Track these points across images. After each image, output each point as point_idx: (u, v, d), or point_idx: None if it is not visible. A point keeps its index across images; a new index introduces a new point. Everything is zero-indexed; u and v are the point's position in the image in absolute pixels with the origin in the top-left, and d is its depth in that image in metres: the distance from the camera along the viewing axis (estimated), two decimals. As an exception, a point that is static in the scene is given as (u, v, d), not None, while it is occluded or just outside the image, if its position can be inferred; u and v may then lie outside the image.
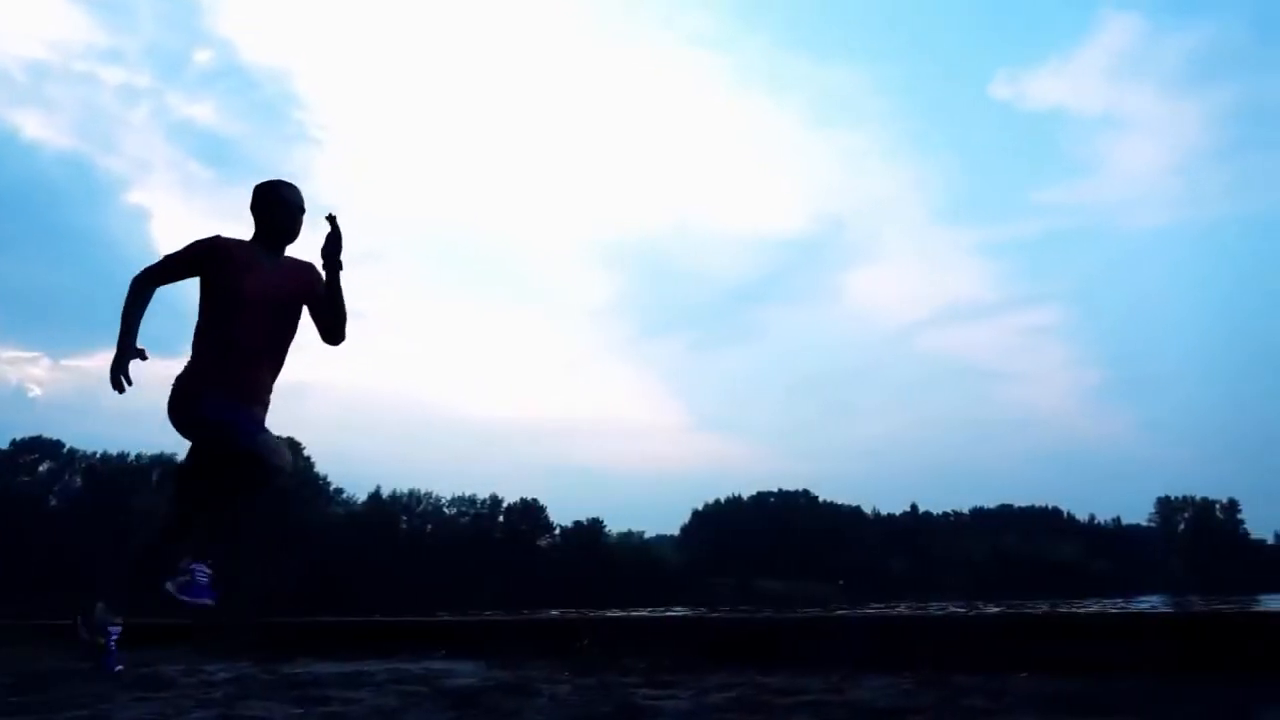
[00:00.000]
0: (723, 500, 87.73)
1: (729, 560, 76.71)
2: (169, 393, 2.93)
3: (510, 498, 77.12)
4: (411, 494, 73.80)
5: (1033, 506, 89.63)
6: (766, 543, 78.57)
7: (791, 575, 74.67)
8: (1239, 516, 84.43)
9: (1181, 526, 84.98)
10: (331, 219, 3.00)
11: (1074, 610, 2.50)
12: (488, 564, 66.37)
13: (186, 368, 2.95)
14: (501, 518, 76.12)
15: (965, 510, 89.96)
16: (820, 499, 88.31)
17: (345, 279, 3.02)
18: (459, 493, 76.26)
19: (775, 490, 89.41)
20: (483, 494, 76.61)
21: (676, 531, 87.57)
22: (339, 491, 69.16)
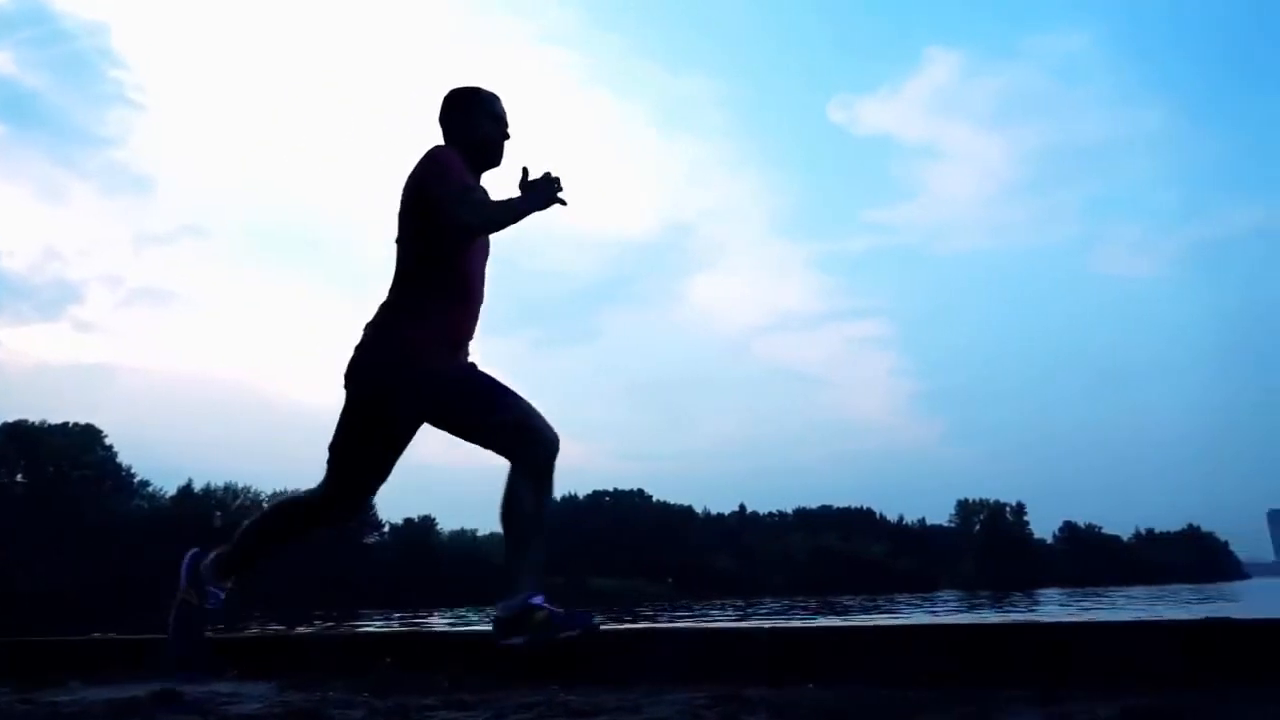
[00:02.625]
0: (559, 499, 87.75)
1: (563, 559, 76.81)
2: (373, 343, 2.32)
3: (336, 494, 73.90)
4: (228, 487, 69.28)
5: (849, 507, 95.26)
6: (600, 541, 79.27)
7: (624, 573, 75.72)
8: (1025, 518, 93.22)
9: (977, 527, 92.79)
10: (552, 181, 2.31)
11: (862, 624, 2.66)
12: (311, 563, 63.35)
13: (401, 314, 2.33)
14: (326, 514, 72.83)
15: (789, 510, 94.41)
16: (654, 498, 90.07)
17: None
18: (281, 486, 72.36)
19: (611, 489, 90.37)
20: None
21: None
22: (144, 484, 63.95)
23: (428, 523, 76.91)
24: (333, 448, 2.39)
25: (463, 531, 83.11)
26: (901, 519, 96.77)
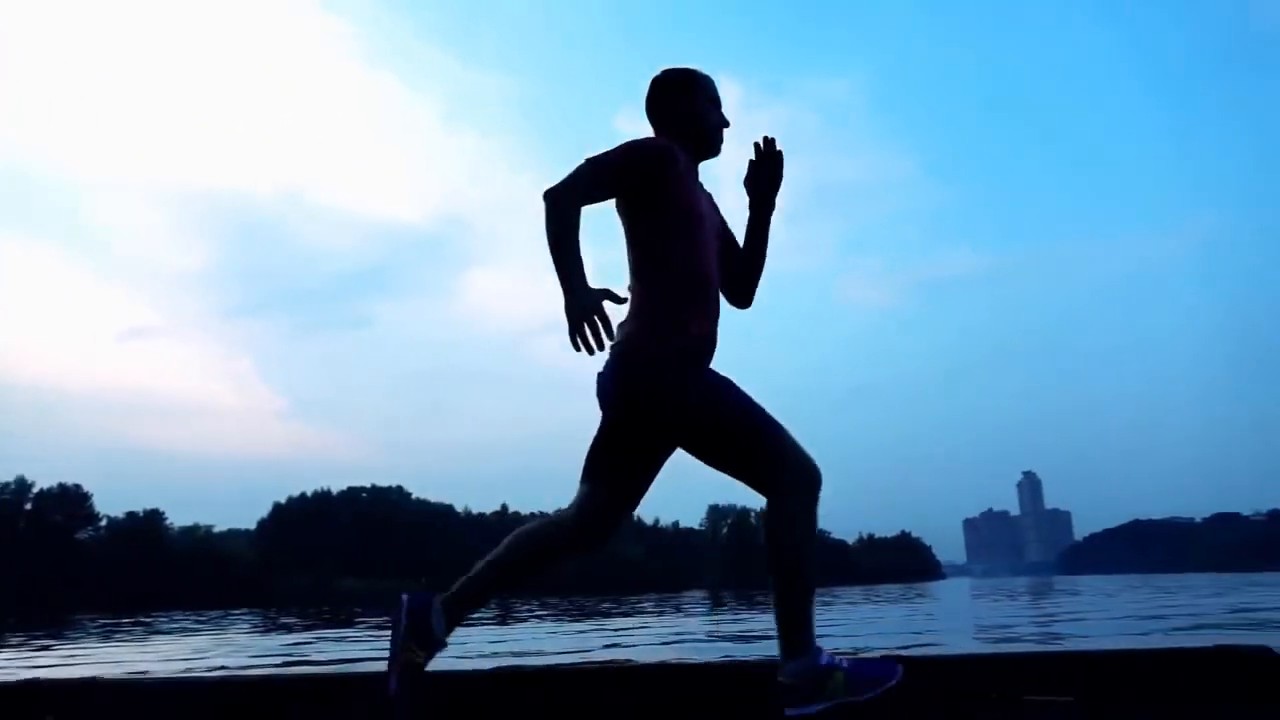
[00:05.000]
0: (309, 494, 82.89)
1: (311, 557, 72.65)
2: (625, 349, 1.99)
3: (44, 481, 65.57)
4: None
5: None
6: (353, 540, 75.79)
7: (376, 573, 72.88)
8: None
9: (725, 530, 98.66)
10: (771, 143, 2.23)
11: (573, 664, 2.72)
12: (9, 561, 55.53)
13: (647, 313, 2.01)
14: (30, 505, 64.18)
15: (551, 511, 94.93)
16: (413, 496, 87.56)
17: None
18: (-17, 475, 63.01)
19: (368, 485, 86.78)
20: (5, 475, 64.16)
21: (253, 526, 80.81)
22: None
23: (155, 517, 69.79)
24: (588, 472, 2.12)
25: (196, 527, 76.35)
26: (657, 521, 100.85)
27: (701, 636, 8.52)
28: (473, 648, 7.26)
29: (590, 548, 2.11)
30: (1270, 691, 2.06)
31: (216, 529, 78.40)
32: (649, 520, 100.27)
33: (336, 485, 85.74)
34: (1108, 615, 10.04)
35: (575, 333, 1.84)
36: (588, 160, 1.98)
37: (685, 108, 2.18)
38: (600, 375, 2.04)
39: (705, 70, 2.27)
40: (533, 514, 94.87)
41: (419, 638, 1.95)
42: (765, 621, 11.13)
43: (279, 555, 73.82)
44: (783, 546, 1.93)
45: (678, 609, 17.80)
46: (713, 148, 2.20)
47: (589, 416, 2.18)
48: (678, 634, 9.09)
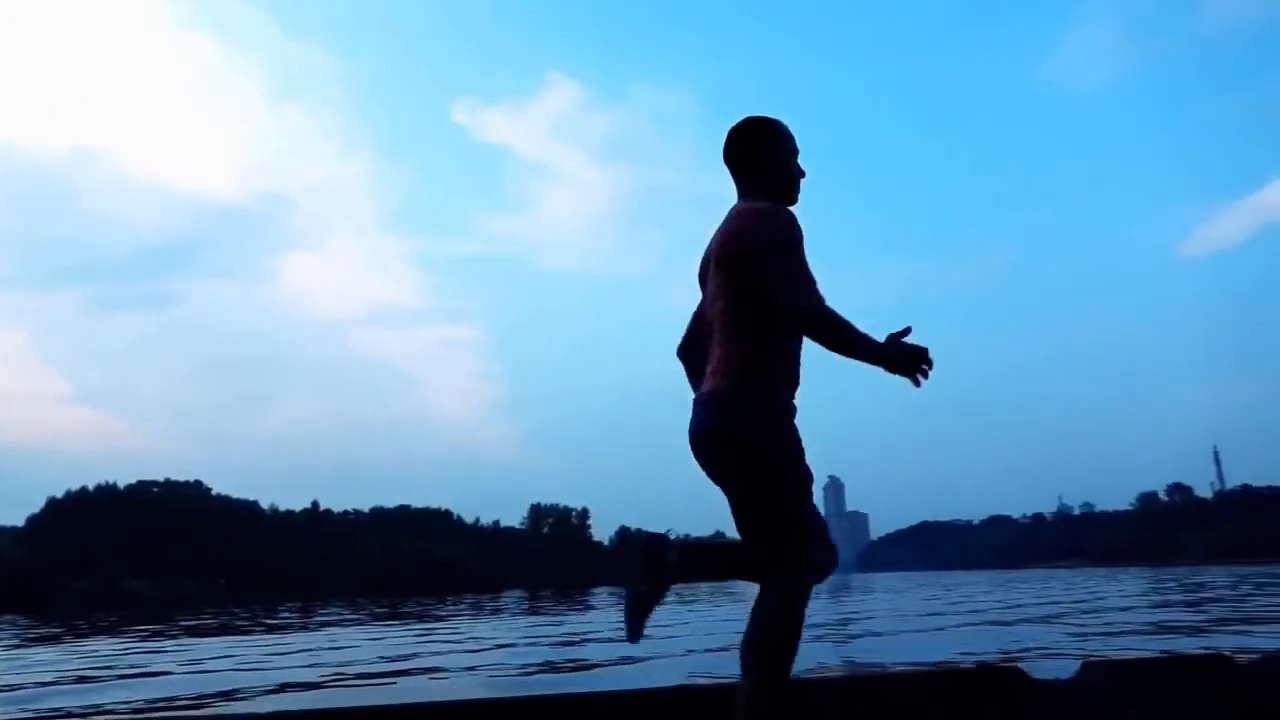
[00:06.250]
0: (91, 488, 75.56)
1: (93, 557, 66.26)
2: (734, 400, 1.98)
3: None
4: None
5: (428, 508, 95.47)
6: (143, 538, 69.79)
7: (169, 574, 67.53)
8: (588, 522, 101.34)
9: (546, 530, 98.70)
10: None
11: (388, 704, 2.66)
12: None
13: (755, 371, 1.99)
14: None
15: (366, 509, 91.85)
16: (214, 491, 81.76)
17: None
18: None
19: (161, 480, 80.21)
20: None
21: (21, 522, 72.64)
22: None
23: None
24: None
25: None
26: (478, 520, 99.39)
27: (517, 641, 8.53)
28: (294, 658, 6.93)
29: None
30: (1021, 706, 2.36)
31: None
32: (469, 519, 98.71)
33: (125, 479, 78.72)
34: (897, 612, 10.91)
35: (914, 373, 1.93)
36: (783, 275, 1.95)
37: (772, 161, 2.15)
38: (702, 430, 2.04)
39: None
40: (346, 512, 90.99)
41: (648, 570, 2.02)
42: (582, 623, 11.26)
43: (53, 555, 66.87)
44: (769, 627, 1.92)
45: (496, 611, 17.67)
46: (793, 197, 2.18)
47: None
48: (495, 639, 9.05)
